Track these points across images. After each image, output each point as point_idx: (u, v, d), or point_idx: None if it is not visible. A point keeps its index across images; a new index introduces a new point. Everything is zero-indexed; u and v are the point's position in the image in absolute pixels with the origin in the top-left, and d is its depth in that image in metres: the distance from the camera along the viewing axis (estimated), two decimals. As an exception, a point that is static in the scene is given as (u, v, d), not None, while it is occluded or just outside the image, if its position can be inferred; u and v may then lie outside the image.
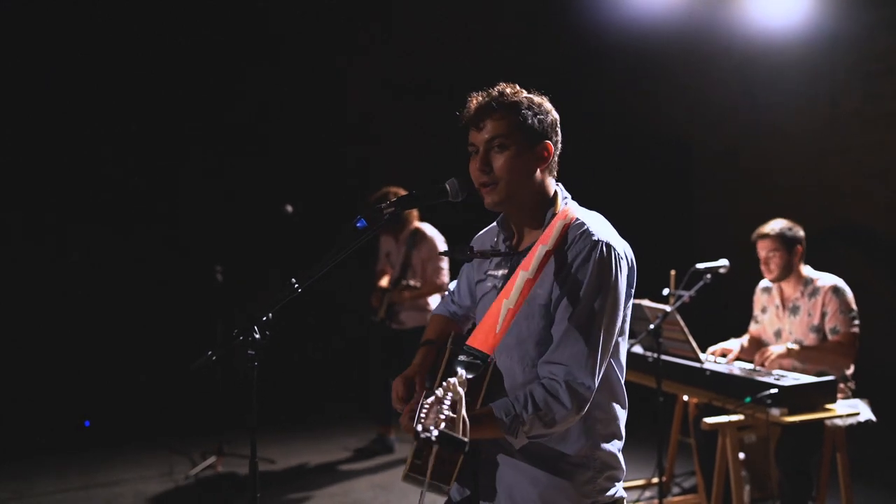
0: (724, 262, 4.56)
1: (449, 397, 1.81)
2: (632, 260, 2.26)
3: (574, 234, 2.20)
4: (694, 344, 4.40)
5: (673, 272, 4.91)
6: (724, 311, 6.64)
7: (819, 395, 3.96)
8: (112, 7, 7.70)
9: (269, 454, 6.23)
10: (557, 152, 2.31)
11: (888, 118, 7.24)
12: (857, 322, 4.27)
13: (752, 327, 4.73)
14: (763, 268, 4.48)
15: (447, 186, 2.29)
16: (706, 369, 4.32)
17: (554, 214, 2.27)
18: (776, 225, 4.44)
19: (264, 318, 2.56)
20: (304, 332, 8.36)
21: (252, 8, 8.37)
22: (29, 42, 7.45)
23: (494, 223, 2.53)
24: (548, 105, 2.29)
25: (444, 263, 6.17)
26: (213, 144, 8.27)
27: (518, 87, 2.28)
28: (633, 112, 9.55)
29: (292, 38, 8.60)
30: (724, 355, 4.61)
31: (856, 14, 7.34)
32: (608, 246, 2.17)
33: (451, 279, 5.93)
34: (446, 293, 2.81)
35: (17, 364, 7.37)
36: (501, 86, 2.28)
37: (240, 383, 6.45)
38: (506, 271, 2.35)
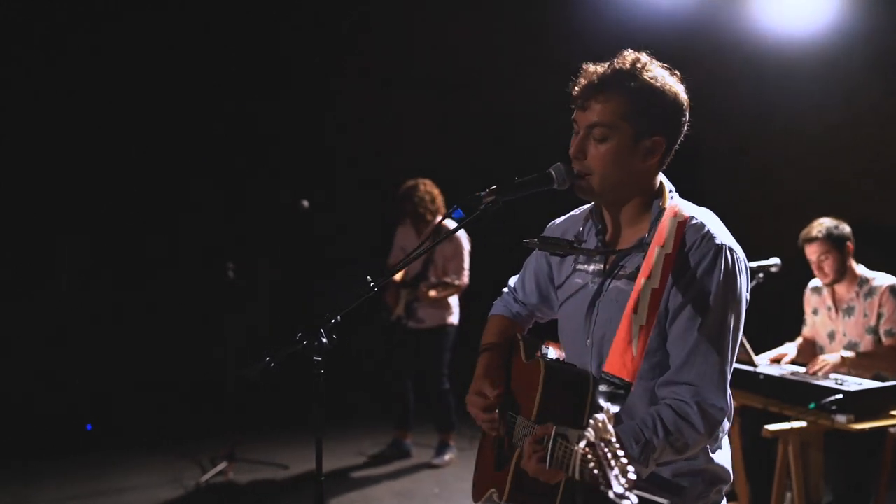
0: (775, 260, 4.37)
1: (608, 441, 1.55)
2: (747, 263, 2.04)
3: (694, 236, 1.96)
4: (748, 347, 4.20)
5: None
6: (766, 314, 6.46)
7: (885, 401, 3.77)
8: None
9: (281, 459, 5.98)
10: (677, 143, 2.06)
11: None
12: (915, 324, 4.10)
13: (805, 330, 4.54)
14: (816, 272, 4.28)
15: (552, 172, 2.04)
16: (760, 373, 4.12)
17: (661, 210, 2.03)
18: (822, 226, 4.25)
19: (333, 321, 2.34)
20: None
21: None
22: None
23: (578, 210, 2.29)
24: (674, 87, 2.01)
25: (467, 262, 5.95)
26: (224, 140, 8.00)
27: (644, 61, 2.01)
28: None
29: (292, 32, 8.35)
30: (777, 360, 4.42)
31: (873, 10, 7.20)
32: (731, 251, 1.96)
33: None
34: (505, 290, 2.54)
35: (19, 365, 7.08)
36: (622, 58, 2.01)
37: (251, 386, 6.29)
38: (600, 267, 2.11)
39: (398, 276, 6.08)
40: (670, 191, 2.09)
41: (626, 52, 2.02)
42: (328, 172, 8.35)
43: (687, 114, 2.04)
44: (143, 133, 7.71)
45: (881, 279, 4.19)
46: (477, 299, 6.06)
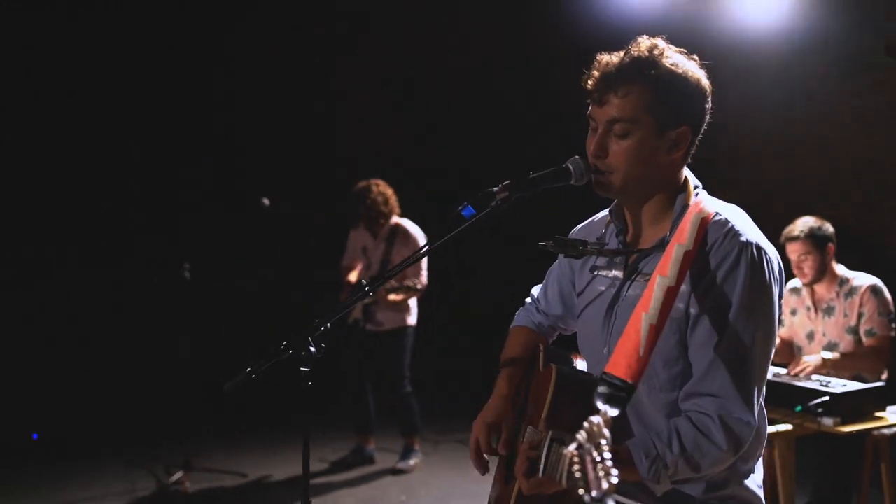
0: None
1: (598, 444, 1.40)
2: (780, 263, 1.88)
3: (717, 233, 1.82)
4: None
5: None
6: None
7: (870, 403, 3.71)
8: None
9: (240, 467, 5.76)
10: (701, 133, 1.92)
11: (863, 116, 7.16)
12: (894, 325, 4.05)
13: (782, 330, 4.47)
14: (796, 271, 4.21)
15: (570, 167, 1.89)
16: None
17: (685, 206, 1.89)
18: (804, 224, 4.18)
19: (322, 329, 2.17)
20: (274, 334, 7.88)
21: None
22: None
23: (600, 215, 2.15)
24: (695, 73, 1.87)
25: (425, 263, 5.79)
26: (179, 138, 7.73)
27: (662, 47, 1.86)
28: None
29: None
30: None
31: (832, 12, 7.22)
32: (759, 249, 1.81)
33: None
34: (528, 300, 2.40)
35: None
36: (638, 46, 1.86)
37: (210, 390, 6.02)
38: (620, 272, 1.97)
39: (353, 279, 5.95)
40: (695, 186, 1.94)
41: (640, 39, 1.88)
42: (305, 174, 8.16)
43: (710, 100, 1.90)
44: (102, 132, 7.47)
45: (861, 279, 4.14)
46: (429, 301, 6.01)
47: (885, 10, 6.91)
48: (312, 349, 2.18)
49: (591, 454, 1.35)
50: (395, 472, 5.77)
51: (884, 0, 6.98)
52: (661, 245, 1.88)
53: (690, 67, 1.87)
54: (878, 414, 3.73)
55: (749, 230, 1.84)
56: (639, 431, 1.87)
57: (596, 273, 2.04)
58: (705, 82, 1.88)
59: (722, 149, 8.32)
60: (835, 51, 7.17)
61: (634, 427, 1.89)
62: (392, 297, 5.66)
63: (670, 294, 1.74)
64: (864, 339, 4.06)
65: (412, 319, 5.90)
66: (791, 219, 4.46)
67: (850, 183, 7.21)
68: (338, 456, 6.02)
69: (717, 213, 1.85)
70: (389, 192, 5.86)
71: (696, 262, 1.78)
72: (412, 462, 5.83)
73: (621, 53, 1.87)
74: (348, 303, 2.15)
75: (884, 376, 4.10)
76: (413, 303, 5.88)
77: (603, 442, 1.32)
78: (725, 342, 1.76)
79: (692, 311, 1.80)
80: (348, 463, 5.93)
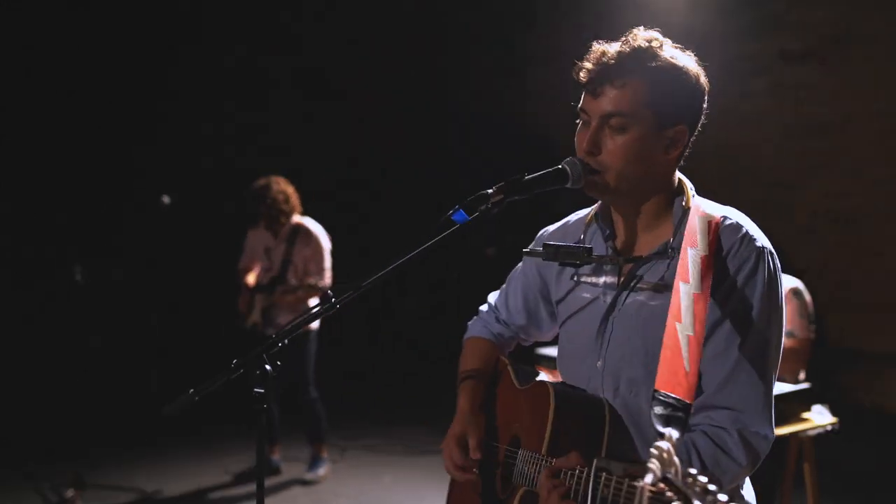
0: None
1: (678, 471, 1.28)
2: None
3: (731, 238, 1.72)
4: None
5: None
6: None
7: (796, 404, 3.76)
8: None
9: (137, 483, 5.40)
10: (694, 134, 1.81)
11: (759, 117, 7.38)
12: (813, 327, 4.12)
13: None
14: None
15: (567, 168, 1.75)
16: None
17: (686, 210, 1.78)
18: None
19: (279, 345, 1.96)
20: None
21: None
22: None
23: (575, 216, 2.02)
24: (695, 69, 1.77)
25: (328, 261, 5.59)
26: (75, 136, 7.25)
27: (661, 40, 1.75)
28: (501, 107, 9.27)
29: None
30: None
31: (727, 14, 7.41)
32: (772, 255, 1.74)
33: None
34: (483, 308, 2.25)
35: None
36: (635, 36, 1.74)
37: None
38: (613, 279, 1.84)
39: (251, 281, 5.70)
40: (690, 188, 1.85)
41: (636, 31, 1.76)
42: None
43: (706, 100, 1.80)
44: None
45: (783, 281, 4.19)
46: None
47: (774, 15, 7.15)
48: (268, 367, 1.97)
49: (686, 482, 1.23)
50: (304, 482, 5.54)
51: (778, 5, 7.20)
52: (664, 251, 1.77)
53: (690, 63, 1.77)
54: (803, 415, 3.78)
55: (760, 235, 1.76)
56: (641, 449, 1.77)
57: (579, 280, 1.91)
58: (704, 80, 1.78)
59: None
60: (731, 53, 7.36)
61: (636, 441, 1.79)
62: (290, 297, 5.46)
63: (699, 302, 1.63)
64: (784, 340, 4.11)
65: (315, 323, 5.68)
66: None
67: (747, 184, 7.40)
68: (241, 467, 5.73)
69: (725, 217, 1.76)
70: (290, 189, 5.61)
71: (714, 269, 1.68)
72: (321, 472, 5.61)
73: (617, 44, 1.75)
74: (309, 316, 1.93)
75: (801, 376, 4.17)
76: (314, 302, 5.66)
77: (677, 468, 1.20)
78: (743, 352, 1.69)
79: (709, 318, 1.69)
80: (253, 474, 5.65)
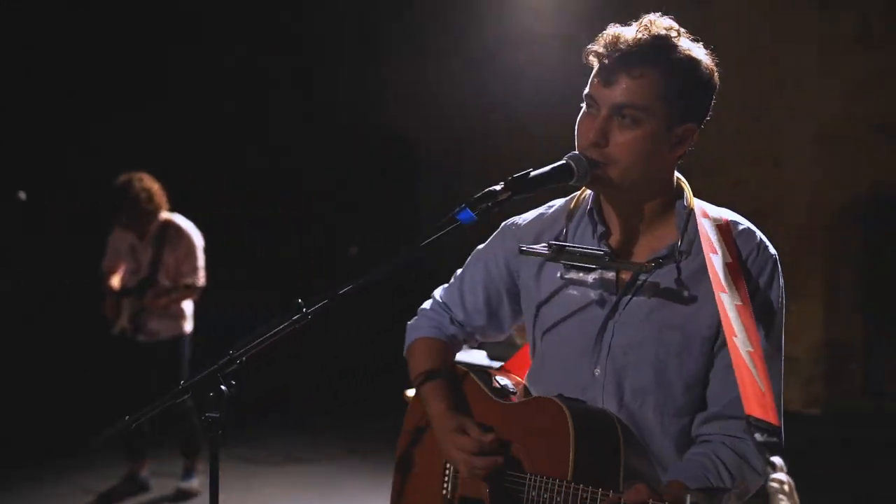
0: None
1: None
2: None
3: (749, 244, 1.67)
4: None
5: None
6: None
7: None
8: None
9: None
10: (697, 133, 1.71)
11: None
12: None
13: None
14: None
15: (572, 164, 1.62)
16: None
17: (690, 211, 1.70)
18: None
19: (236, 364, 1.73)
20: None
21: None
22: None
23: (548, 208, 1.87)
24: (711, 65, 1.66)
25: (202, 260, 5.28)
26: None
27: (678, 30, 1.63)
28: (360, 105, 9.11)
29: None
30: None
31: (596, 16, 7.57)
32: (778, 262, 1.70)
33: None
34: (427, 306, 2.04)
35: None
36: (653, 23, 1.61)
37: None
38: (610, 277, 1.72)
39: (116, 284, 5.31)
40: (688, 188, 1.77)
41: (652, 17, 1.64)
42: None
43: (714, 98, 1.71)
44: None
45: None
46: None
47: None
48: (224, 388, 1.74)
49: None
50: (179, 492, 5.21)
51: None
52: (672, 254, 1.68)
53: (705, 58, 1.67)
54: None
55: (769, 241, 1.72)
56: (646, 465, 1.68)
57: (567, 278, 1.77)
58: (716, 77, 1.68)
59: (478, 152, 8.48)
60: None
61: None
62: (163, 300, 5.14)
63: (744, 312, 1.55)
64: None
65: (189, 326, 5.38)
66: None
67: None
68: (106, 486, 5.27)
69: (735, 221, 1.70)
70: (155, 186, 5.24)
71: (743, 276, 1.61)
72: (195, 482, 5.28)
73: (633, 28, 1.62)
74: (277, 329, 1.71)
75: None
76: (189, 307, 5.36)
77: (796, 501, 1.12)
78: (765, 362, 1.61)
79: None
80: (119, 493, 5.22)
